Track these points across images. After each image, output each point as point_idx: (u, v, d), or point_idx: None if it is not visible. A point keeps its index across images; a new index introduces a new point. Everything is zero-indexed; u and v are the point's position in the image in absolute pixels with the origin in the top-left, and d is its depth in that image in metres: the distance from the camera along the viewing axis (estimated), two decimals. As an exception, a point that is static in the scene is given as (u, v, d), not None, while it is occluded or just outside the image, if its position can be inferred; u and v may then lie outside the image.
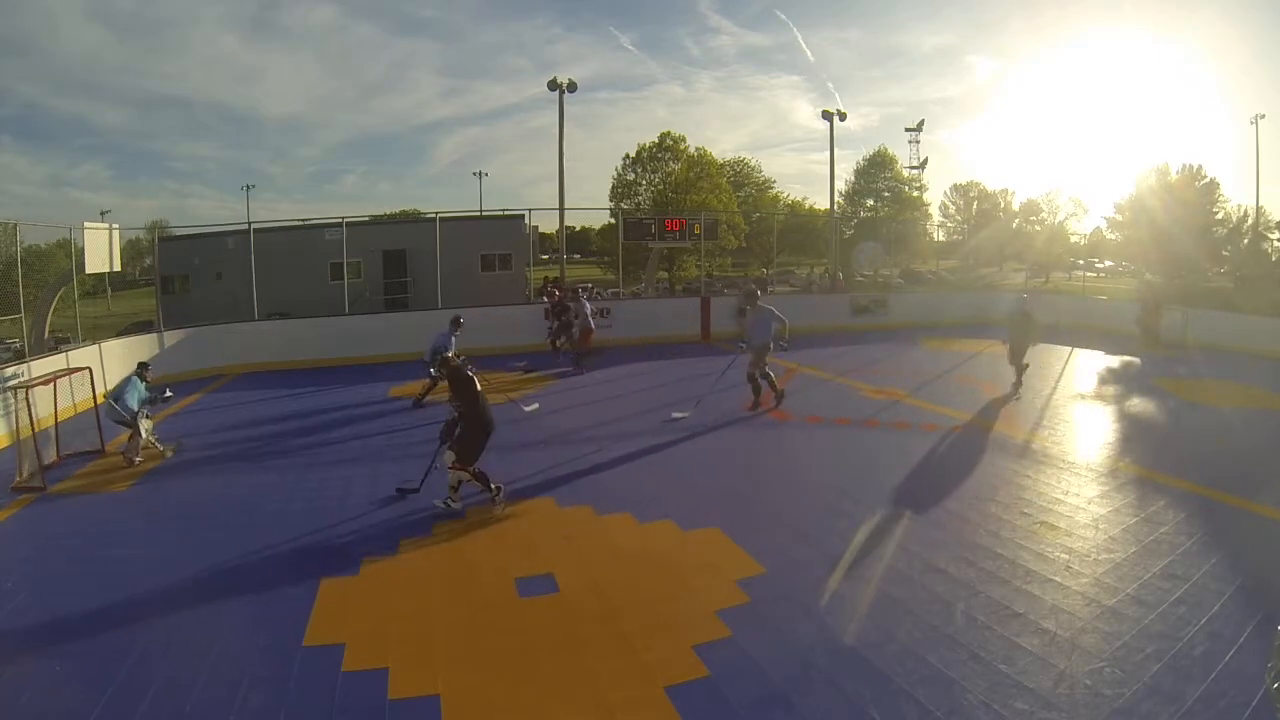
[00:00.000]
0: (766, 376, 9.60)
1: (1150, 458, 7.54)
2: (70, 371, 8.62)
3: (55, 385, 7.99)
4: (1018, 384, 10.73)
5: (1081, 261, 40.08)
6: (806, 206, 52.25)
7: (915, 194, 48.43)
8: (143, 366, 8.30)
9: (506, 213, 30.09)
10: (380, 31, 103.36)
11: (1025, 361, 10.90)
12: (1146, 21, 77.31)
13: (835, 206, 27.56)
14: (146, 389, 8.03)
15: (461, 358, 8.01)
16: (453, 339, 10.79)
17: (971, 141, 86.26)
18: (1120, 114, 76.21)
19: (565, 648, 4.09)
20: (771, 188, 49.40)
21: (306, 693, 3.70)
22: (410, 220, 34.11)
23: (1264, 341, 14.35)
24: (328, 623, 4.39)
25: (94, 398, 8.61)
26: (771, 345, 9.45)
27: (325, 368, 13.46)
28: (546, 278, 20.96)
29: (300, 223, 24.59)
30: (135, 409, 7.75)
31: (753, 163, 49.40)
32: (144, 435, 7.81)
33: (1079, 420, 9.37)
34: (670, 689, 3.67)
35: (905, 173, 48.76)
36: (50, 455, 7.64)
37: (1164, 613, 4.33)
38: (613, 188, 41.73)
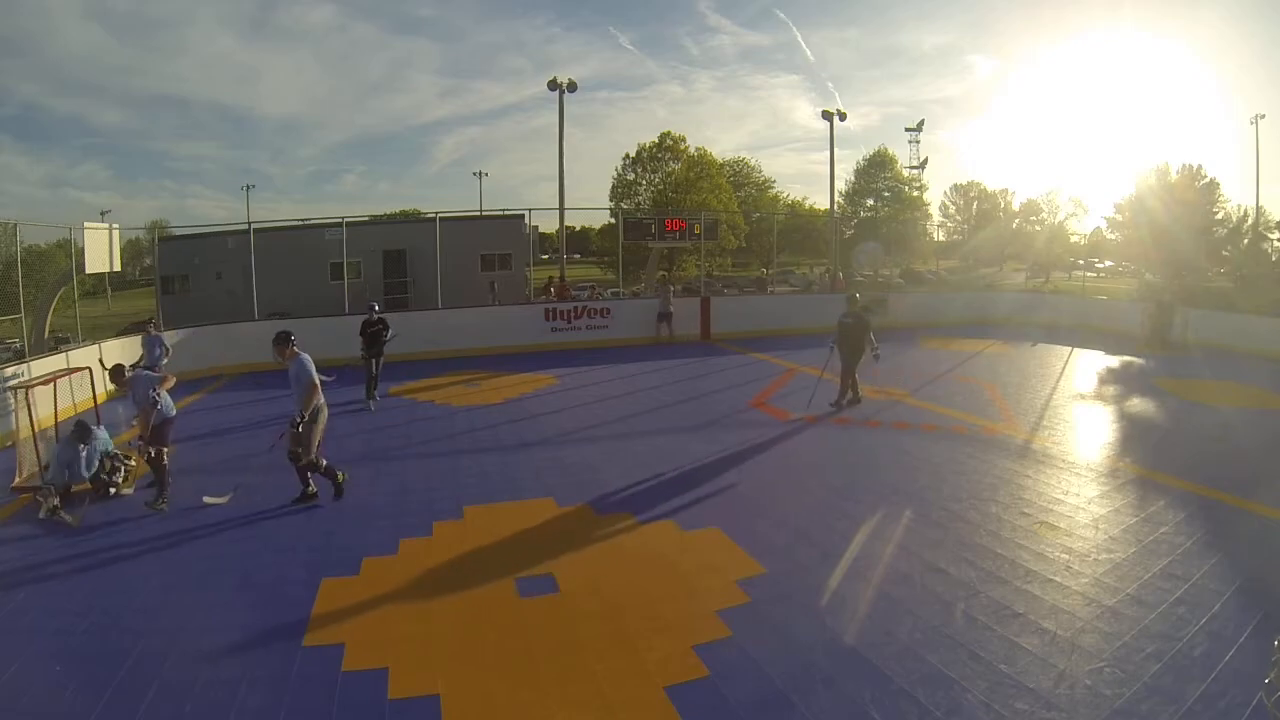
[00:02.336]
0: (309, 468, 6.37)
1: (1150, 458, 7.53)
2: (70, 371, 8.61)
3: (55, 385, 7.98)
4: (841, 401, 9.71)
5: (1081, 261, 40.11)
6: (806, 206, 52.41)
7: (915, 194, 48.44)
8: (81, 429, 6.81)
9: (506, 213, 30.15)
10: (379, 31, 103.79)
11: (857, 379, 9.69)
12: (1146, 21, 77.35)
13: (835, 206, 27.60)
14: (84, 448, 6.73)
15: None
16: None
17: (971, 141, 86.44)
18: (1120, 114, 76.24)
19: (565, 648, 4.09)
20: (771, 188, 49.58)
21: (306, 693, 3.70)
22: (410, 220, 34.14)
23: (1264, 341, 14.34)
24: (328, 623, 4.39)
25: (94, 398, 8.59)
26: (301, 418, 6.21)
27: (325, 368, 13.44)
28: (551, 278, 20.99)
29: (300, 223, 24.62)
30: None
31: (753, 163, 49.63)
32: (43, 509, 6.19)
33: (1079, 420, 9.37)
34: (670, 689, 3.67)
35: (905, 173, 48.76)
36: (50, 455, 7.63)
37: (1164, 613, 4.33)
38: (613, 188, 41.84)
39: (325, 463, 6.50)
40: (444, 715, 3.50)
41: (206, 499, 6.51)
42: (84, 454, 6.70)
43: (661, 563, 5.18)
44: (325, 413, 6.46)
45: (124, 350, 12.07)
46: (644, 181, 40.87)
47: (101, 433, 7.03)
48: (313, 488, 6.42)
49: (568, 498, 6.50)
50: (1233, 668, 3.75)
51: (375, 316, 10.81)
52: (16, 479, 7.04)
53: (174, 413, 6.70)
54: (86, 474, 6.70)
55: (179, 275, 23.83)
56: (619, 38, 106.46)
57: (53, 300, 17.98)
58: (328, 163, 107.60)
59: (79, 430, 6.81)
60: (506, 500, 6.49)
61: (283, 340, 6.38)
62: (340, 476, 6.58)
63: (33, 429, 7.11)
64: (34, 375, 8.41)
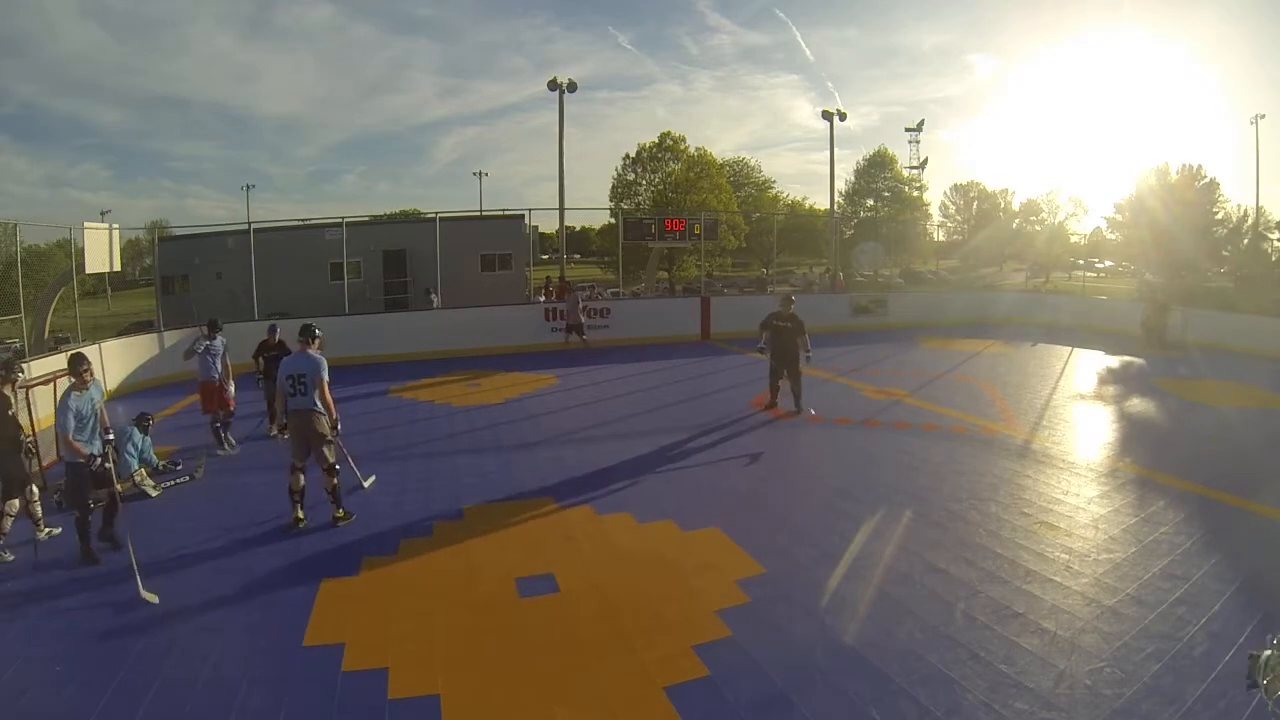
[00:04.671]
0: None
1: (1150, 458, 7.53)
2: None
3: (55, 385, 7.97)
4: (774, 403, 9.48)
5: (1081, 261, 40.14)
6: (806, 206, 52.42)
7: (915, 194, 48.49)
8: (143, 418, 7.36)
9: (506, 213, 30.12)
10: (377, 30, 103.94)
11: (798, 391, 9.33)
12: (1146, 21, 77.47)
13: (835, 206, 27.60)
14: (147, 439, 7.21)
15: None
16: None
17: (971, 141, 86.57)
18: (1120, 114, 76.29)
19: (565, 648, 4.09)
20: (771, 188, 49.59)
21: (306, 693, 3.70)
22: (410, 220, 34.13)
23: (1264, 341, 14.35)
24: (328, 623, 4.39)
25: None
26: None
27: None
28: (549, 278, 21.01)
29: (300, 222, 24.61)
30: (132, 469, 6.79)
31: (752, 163, 49.65)
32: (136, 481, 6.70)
33: (1079, 420, 9.37)
34: (670, 689, 3.67)
35: (905, 173, 48.82)
36: (50, 455, 7.63)
37: (1164, 613, 4.33)
38: (613, 188, 41.79)
39: (302, 483, 5.94)
40: (444, 715, 3.50)
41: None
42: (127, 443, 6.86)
43: (661, 563, 5.18)
44: (292, 421, 5.93)
45: (125, 350, 12.10)
46: (644, 181, 40.82)
47: (135, 434, 7.13)
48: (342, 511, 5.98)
49: (568, 498, 6.50)
50: (1233, 668, 3.74)
51: (277, 339, 8.80)
52: (17, 479, 7.03)
53: (89, 450, 5.31)
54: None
55: (179, 275, 23.79)
56: (618, 37, 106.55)
57: (53, 300, 17.99)
58: (327, 163, 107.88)
59: (138, 418, 7.35)
60: (506, 500, 6.49)
61: (306, 335, 6.08)
62: (298, 515, 5.92)
63: (33, 429, 7.11)
64: (34, 375, 8.40)
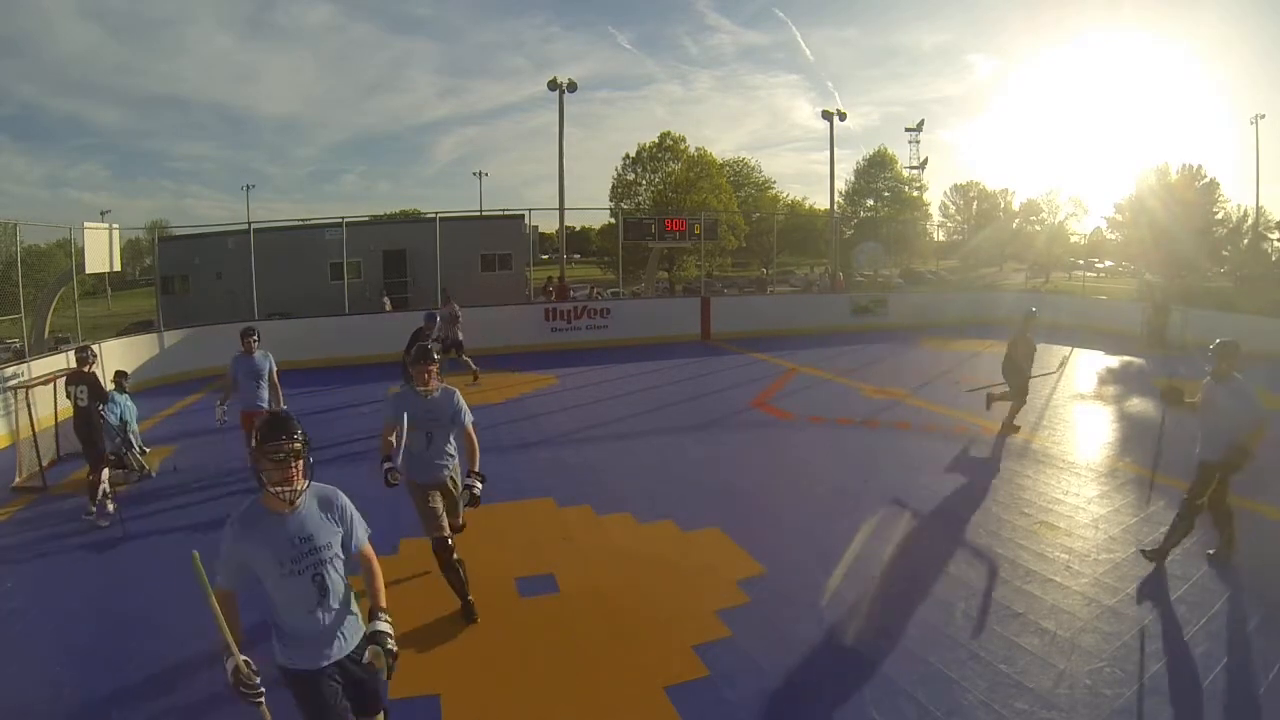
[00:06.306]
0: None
1: (1150, 458, 7.51)
2: (70, 371, 8.61)
3: (55, 385, 7.97)
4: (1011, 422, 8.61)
5: (1081, 261, 40.11)
6: (806, 206, 52.38)
7: (915, 194, 48.53)
8: (121, 376, 7.79)
9: (506, 213, 30.08)
10: (377, 30, 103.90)
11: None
12: (1146, 21, 77.62)
13: (835, 206, 27.58)
14: (130, 401, 7.52)
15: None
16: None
17: (971, 141, 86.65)
18: (1120, 114, 76.33)
19: (565, 648, 4.09)
20: (771, 188, 49.60)
21: (306, 693, 3.69)
22: (410, 220, 34.10)
23: (1264, 341, 14.31)
24: (328, 623, 4.38)
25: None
26: None
27: (325, 367, 13.46)
28: (551, 278, 20.99)
29: (300, 223, 24.61)
30: (115, 424, 7.08)
31: (752, 163, 49.61)
32: (136, 449, 7.29)
33: (1079, 420, 9.37)
34: (670, 689, 3.67)
35: (905, 173, 48.86)
36: (50, 455, 7.63)
37: (1164, 613, 4.33)
38: (613, 188, 41.80)
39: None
40: (444, 715, 3.51)
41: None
42: (114, 407, 7.08)
43: (661, 563, 5.18)
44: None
45: (125, 350, 12.09)
46: (644, 181, 40.81)
47: (123, 399, 7.37)
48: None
49: (568, 498, 6.50)
50: (1233, 667, 3.75)
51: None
52: (17, 479, 7.04)
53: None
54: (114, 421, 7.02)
55: (179, 275, 23.79)
56: (618, 37, 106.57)
57: (53, 300, 17.97)
58: (327, 163, 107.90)
59: (116, 376, 7.71)
60: (506, 500, 6.48)
61: (430, 359, 4.52)
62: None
63: (33, 429, 7.11)
64: (34, 375, 8.41)
